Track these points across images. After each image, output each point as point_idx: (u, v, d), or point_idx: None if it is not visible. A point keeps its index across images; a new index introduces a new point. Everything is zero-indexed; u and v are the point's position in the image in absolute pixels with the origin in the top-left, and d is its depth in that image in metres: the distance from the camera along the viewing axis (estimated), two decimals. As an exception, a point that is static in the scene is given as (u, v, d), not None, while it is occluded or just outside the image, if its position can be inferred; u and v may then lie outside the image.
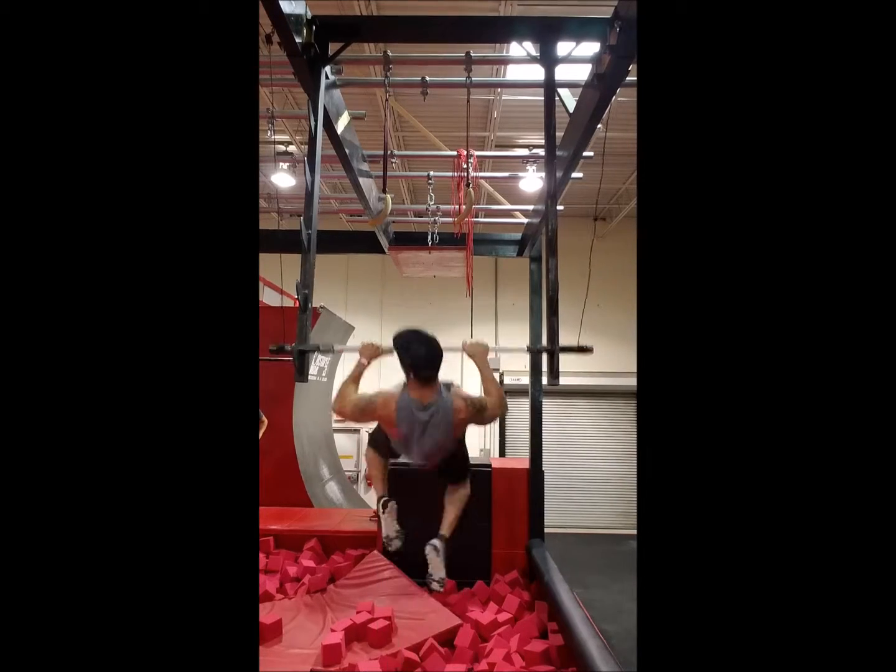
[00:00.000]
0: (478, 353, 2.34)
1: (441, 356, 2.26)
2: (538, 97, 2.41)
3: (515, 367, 8.32)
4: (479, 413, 2.30)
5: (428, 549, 2.62)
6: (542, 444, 3.96)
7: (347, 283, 9.23)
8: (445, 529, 2.67)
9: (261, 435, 4.14)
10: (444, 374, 2.32)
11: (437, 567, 2.62)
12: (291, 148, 5.62)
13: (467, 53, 2.63)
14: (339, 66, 2.74)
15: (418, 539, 2.62)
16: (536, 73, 2.46)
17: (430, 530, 2.66)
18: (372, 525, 3.41)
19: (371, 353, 2.35)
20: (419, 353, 2.22)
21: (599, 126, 2.54)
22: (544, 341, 2.17)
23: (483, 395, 2.36)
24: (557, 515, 7.78)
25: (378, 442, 2.69)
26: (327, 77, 2.49)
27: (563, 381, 2.20)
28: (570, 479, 8.79)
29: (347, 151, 3.00)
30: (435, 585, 2.67)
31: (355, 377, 2.35)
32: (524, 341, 4.25)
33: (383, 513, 2.70)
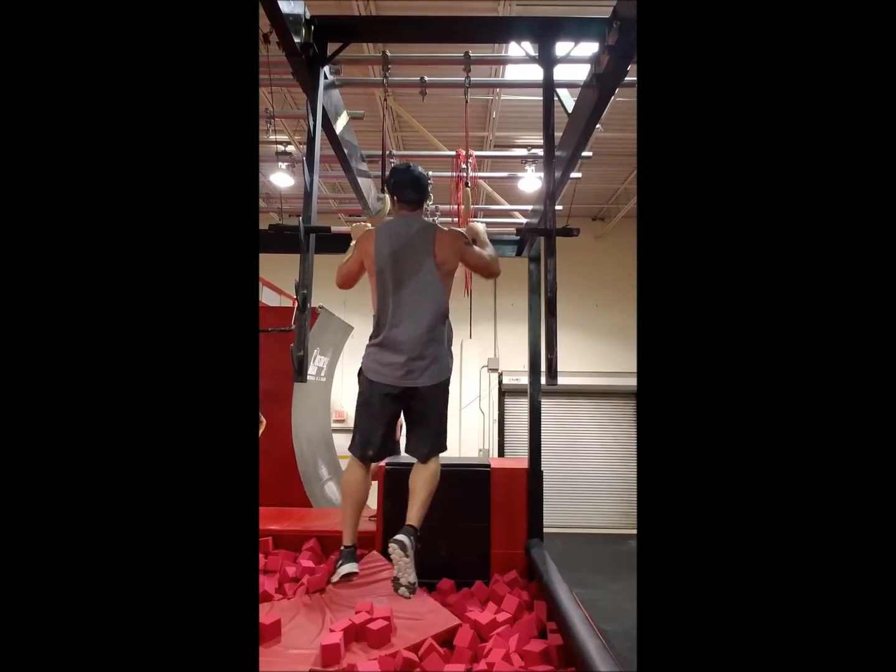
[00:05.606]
0: (477, 232, 2.42)
1: (426, 185, 2.34)
2: (537, 97, 2.42)
3: (514, 367, 8.34)
4: (468, 246, 2.30)
5: (392, 547, 2.17)
6: (541, 443, 3.96)
7: (346, 283, 9.21)
8: (413, 519, 2.27)
9: (259, 435, 4.14)
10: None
11: (404, 569, 2.19)
12: (290, 148, 5.61)
13: (466, 53, 2.63)
14: (337, 66, 2.74)
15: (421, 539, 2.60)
16: (535, 73, 2.46)
17: (430, 530, 2.63)
18: (371, 525, 3.40)
19: (361, 232, 2.43)
20: (404, 177, 2.31)
21: (598, 126, 2.55)
22: (543, 340, 2.18)
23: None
24: (557, 515, 7.78)
25: (361, 443, 2.35)
26: (326, 77, 2.49)
27: (562, 380, 2.20)
28: (570, 479, 8.78)
29: (346, 151, 3.00)
30: (403, 591, 2.22)
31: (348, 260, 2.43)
32: (523, 341, 4.26)
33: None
